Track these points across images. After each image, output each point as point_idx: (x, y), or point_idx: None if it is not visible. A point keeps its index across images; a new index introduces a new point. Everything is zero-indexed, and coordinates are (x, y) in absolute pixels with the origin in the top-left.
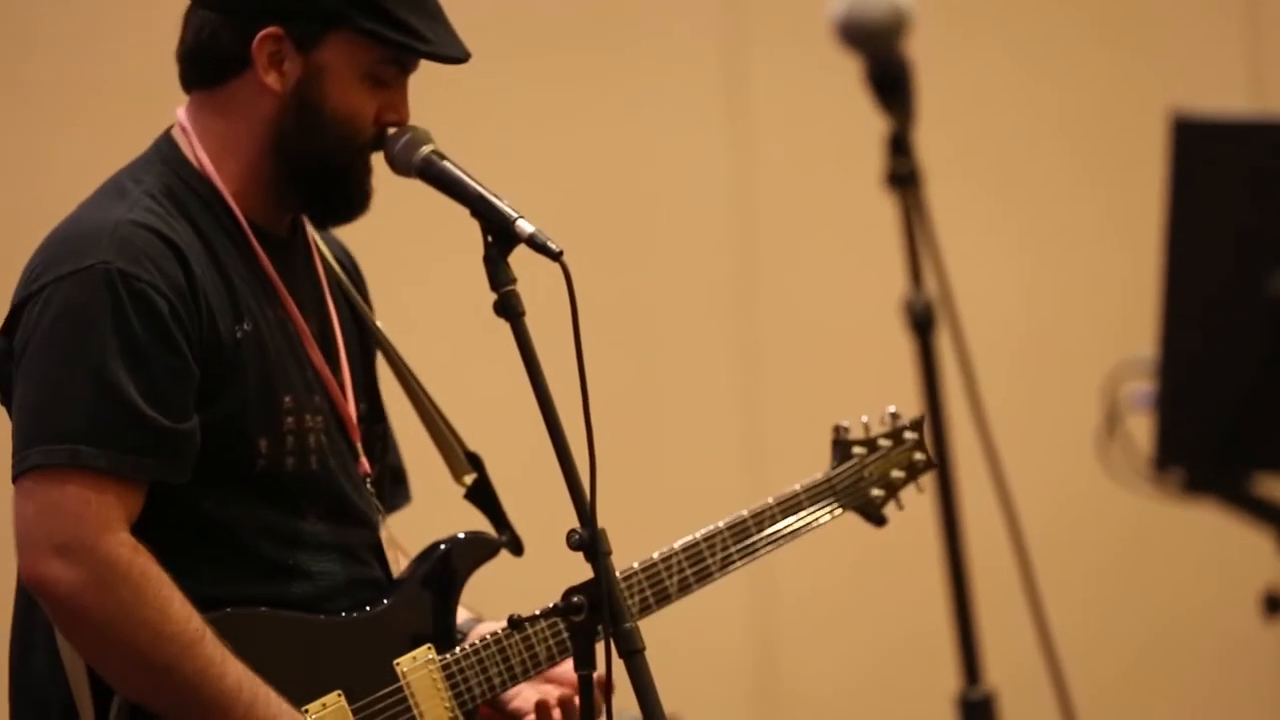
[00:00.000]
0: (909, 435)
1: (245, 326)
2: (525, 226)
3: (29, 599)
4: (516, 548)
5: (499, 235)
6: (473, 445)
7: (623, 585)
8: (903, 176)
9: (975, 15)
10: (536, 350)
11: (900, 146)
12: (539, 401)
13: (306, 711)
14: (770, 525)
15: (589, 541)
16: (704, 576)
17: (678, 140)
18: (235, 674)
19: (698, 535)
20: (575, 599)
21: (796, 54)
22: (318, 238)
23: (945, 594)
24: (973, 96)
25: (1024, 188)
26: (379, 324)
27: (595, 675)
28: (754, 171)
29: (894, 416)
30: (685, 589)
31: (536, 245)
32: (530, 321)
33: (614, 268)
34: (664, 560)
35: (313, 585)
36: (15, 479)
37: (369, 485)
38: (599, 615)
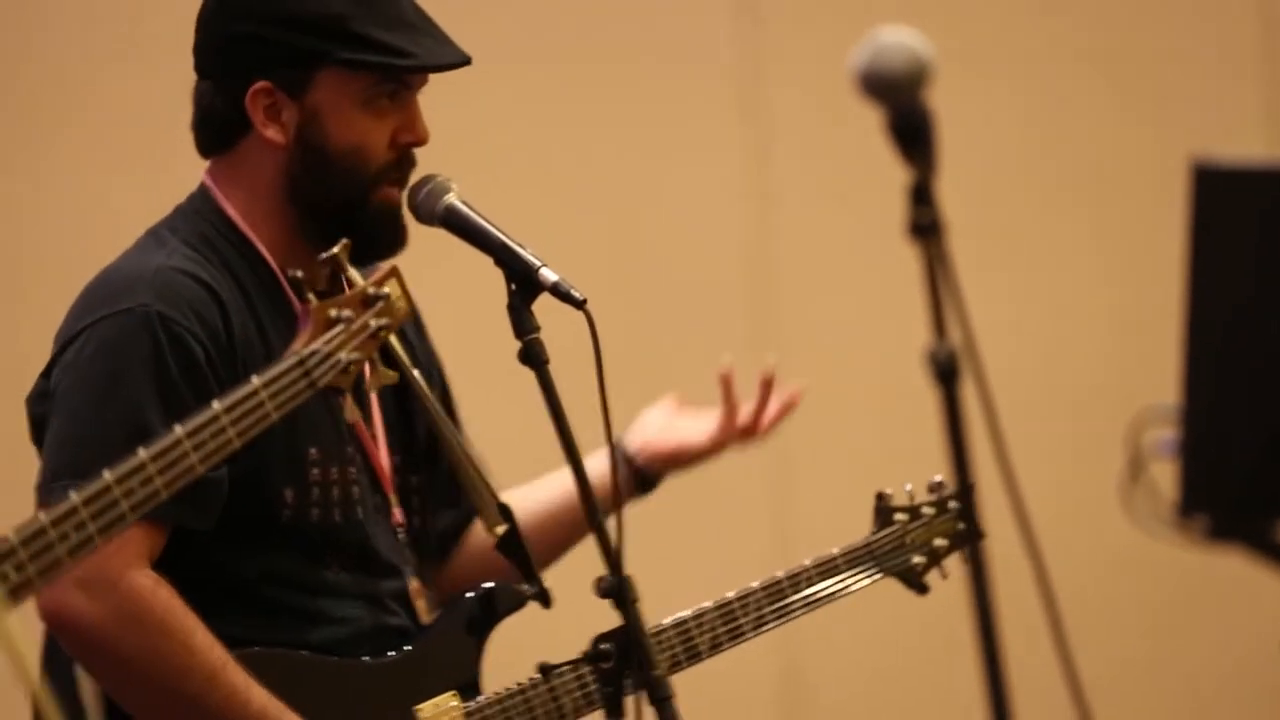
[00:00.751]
0: (953, 505)
1: None
2: (549, 275)
3: (52, 635)
4: (545, 600)
5: (522, 283)
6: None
7: (653, 640)
8: (925, 226)
9: (987, 64)
10: (560, 396)
11: (922, 196)
12: (565, 449)
13: None
14: (806, 588)
15: (616, 588)
16: (736, 635)
17: (696, 188)
18: (259, 701)
19: (731, 595)
20: (603, 646)
21: (815, 102)
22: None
23: (974, 634)
24: (989, 145)
25: (1043, 237)
26: (416, 372)
27: None
28: (772, 220)
29: (939, 485)
30: (717, 647)
31: (560, 294)
32: (552, 355)
33: (631, 308)
34: (696, 618)
35: (335, 631)
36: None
37: (400, 536)
38: (628, 662)
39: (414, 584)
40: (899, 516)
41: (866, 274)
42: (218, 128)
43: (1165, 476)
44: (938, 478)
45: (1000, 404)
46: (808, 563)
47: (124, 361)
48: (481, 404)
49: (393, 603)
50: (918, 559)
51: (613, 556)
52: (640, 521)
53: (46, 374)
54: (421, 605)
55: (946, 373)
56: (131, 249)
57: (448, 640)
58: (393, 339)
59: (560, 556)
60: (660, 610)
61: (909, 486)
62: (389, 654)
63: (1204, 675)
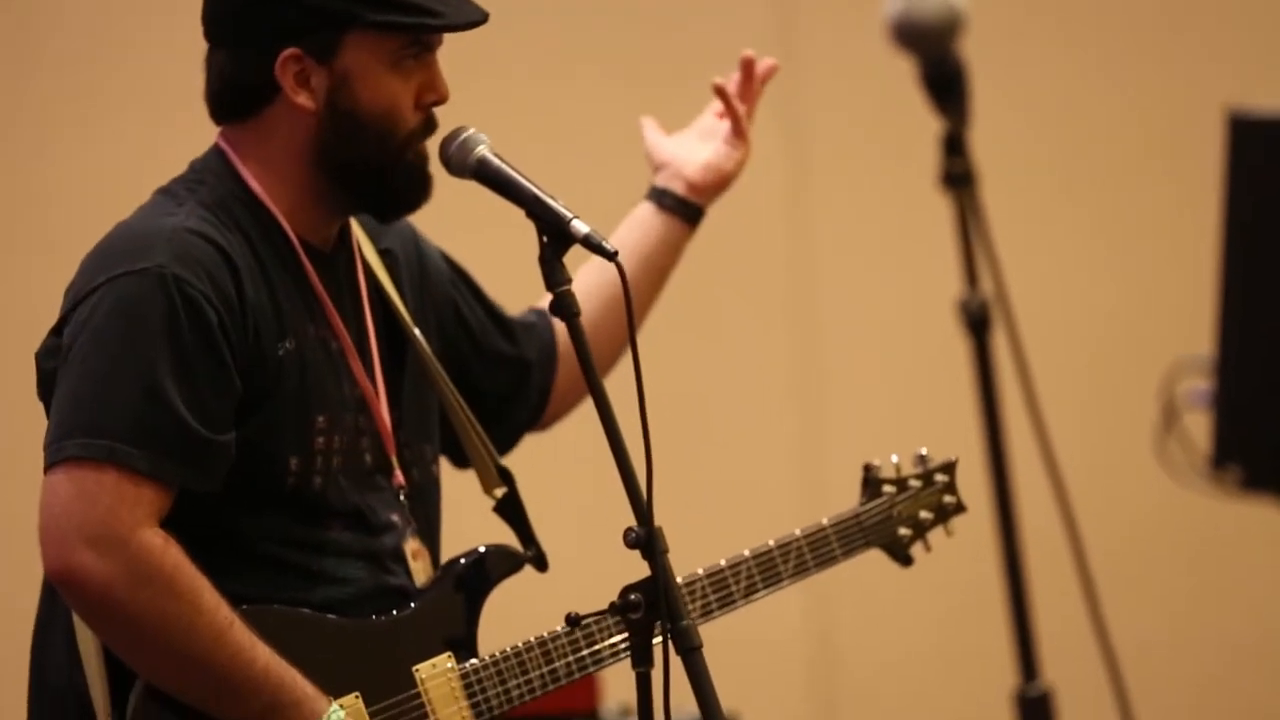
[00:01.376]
0: (940, 478)
1: (288, 344)
2: (580, 227)
3: (51, 593)
4: (542, 564)
5: (554, 236)
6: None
7: (684, 589)
8: (958, 177)
9: (1031, 11)
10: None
11: (955, 147)
12: (595, 399)
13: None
14: (795, 558)
15: (646, 539)
16: (727, 602)
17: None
18: (264, 659)
19: (723, 562)
20: (632, 596)
21: (848, 54)
22: (363, 239)
23: (1003, 587)
24: (1027, 95)
25: (1078, 187)
26: (416, 331)
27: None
28: (808, 172)
29: (924, 458)
30: (708, 613)
31: (592, 245)
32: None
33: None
34: (731, 566)
35: (337, 590)
36: (48, 469)
37: (401, 498)
38: (656, 613)
39: (413, 544)
40: (887, 488)
41: (903, 223)
42: (239, 96)
43: (1199, 427)
44: (922, 450)
45: (1031, 355)
46: (798, 532)
47: (139, 322)
48: None
49: (393, 563)
50: (904, 531)
51: (642, 508)
52: (667, 471)
53: (57, 330)
54: (419, 566)
55: (978, 323)
56: (146, 206)
57: (445, 602)
58: (395, 300)
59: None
60: (686, 556)
61: (895, 458)
62: (389, 613)
63: (1237, 628)
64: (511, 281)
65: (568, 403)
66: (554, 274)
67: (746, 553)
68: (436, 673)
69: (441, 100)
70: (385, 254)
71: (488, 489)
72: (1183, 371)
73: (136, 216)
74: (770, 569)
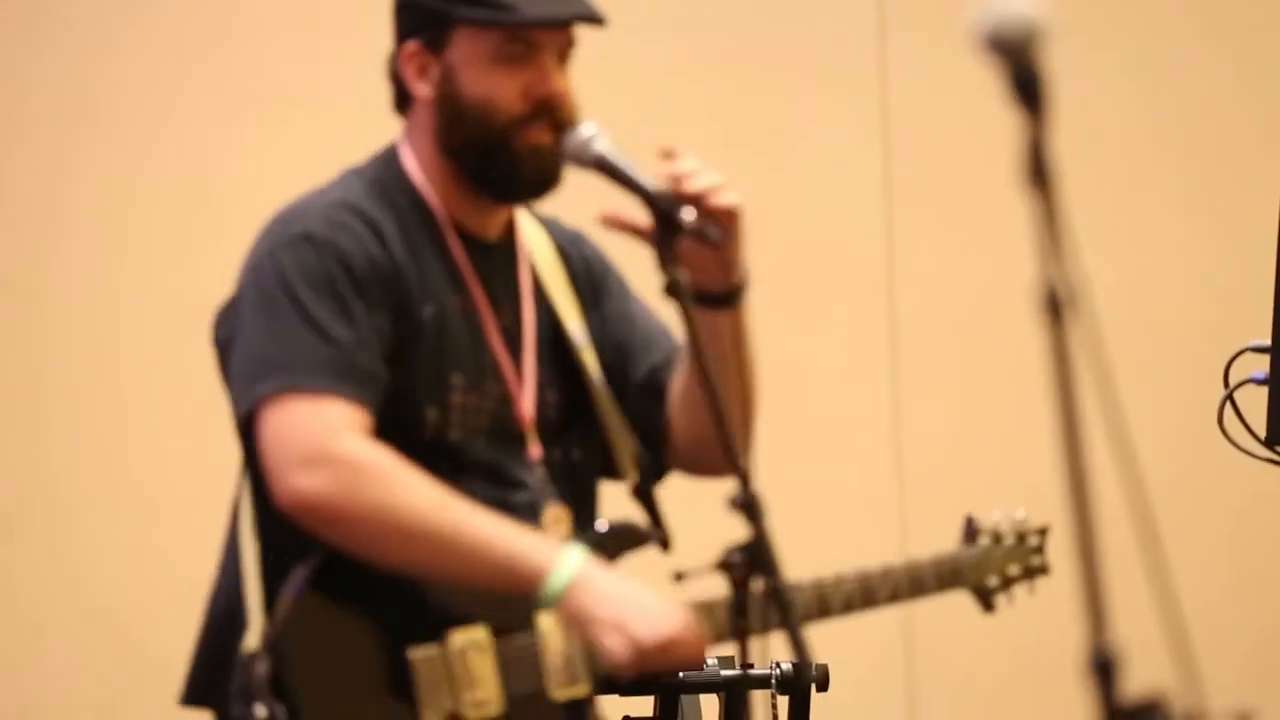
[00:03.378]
0: (1032, 540)
1: (430, 307)
2: (688, 215)
3: (234, 531)
4: (665, 544)
5: (666, 225)
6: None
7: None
8: (1039, 177)
9: (1095, 14)
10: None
11: (1037, 149)
12: (702, 378)
13: (452, 631)
14: (891, 588)
15: (748, 502)
16: (825, 612)
17: (824, 134)
18: (485, 522)
19: (828, 576)
20: (734, 556)
21: (936, 55)
22: (542, 242)
23: (1076, 568)
24: (1093, 91)
25: (1143, 181)
26: (571, 327)
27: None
28: (897, 186)
29: (1021, 521)
30: (849, 609)
31: (697, 233)
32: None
33: (763, 259)
34: (834, 582)
35: None
36: (248, 419)
37: (539, 470)
38: (756, 568)
39: (553, 511)
40: (983, 540)
41: (985, 219)
42: (396, 89)
43: (1259, 407)
44: (1020, 513)
45: (1105, 344)
46: (898, 564)
47: (295, 277)
48: None
49: (528, 519)
50: (993, 581)
51: (743, 472)
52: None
53: (228, 307)
54: (556, 531)
55: (1055, 312)
56: (321, 185)
57: None
58: (560, 301)
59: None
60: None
61: (997, 513)
62: None
63: None
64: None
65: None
66: (666, 256)
67: (849, 573)
68: (557, 627)
69: (549, 95)
70: (570, 265)
71: (623, 474)
72: (1244, 357)
73: (301, 196)
74: (868, 591)
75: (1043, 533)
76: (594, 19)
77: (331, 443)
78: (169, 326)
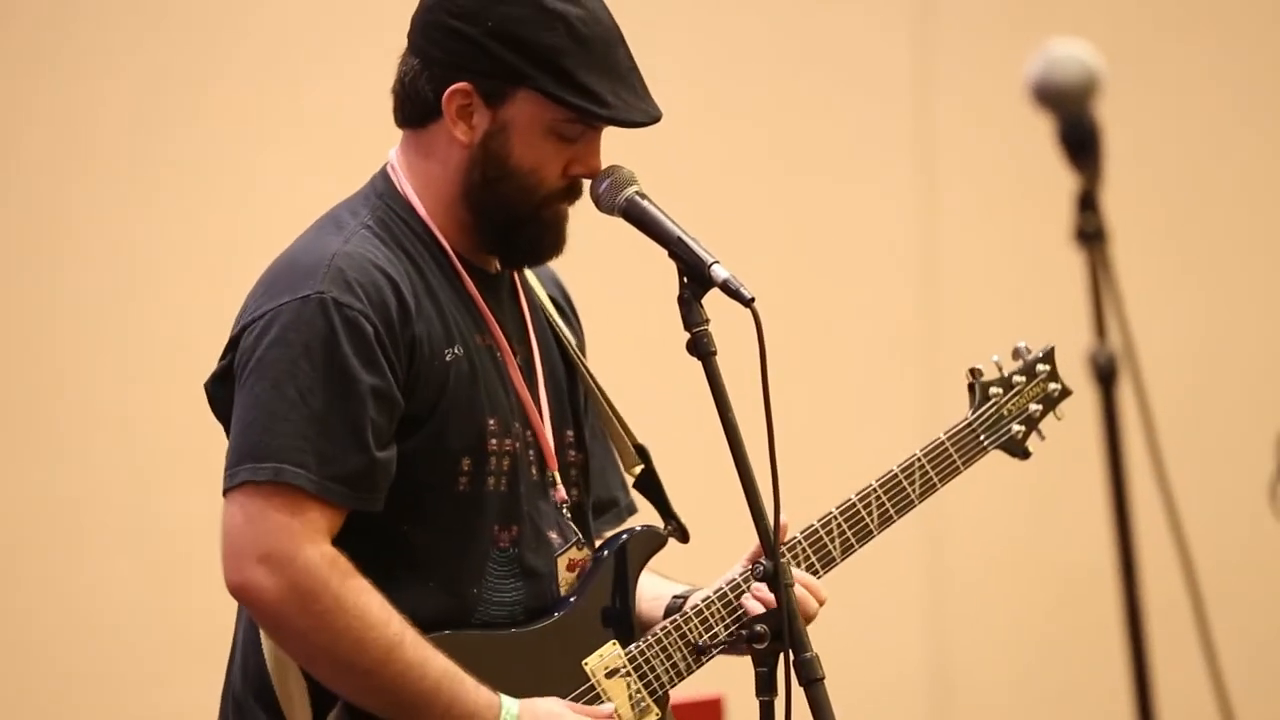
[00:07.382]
0: (1041, 367)
1: (455, 350)
2: (720, 272)
3: (244, 611)
4: (683, 536)
5: (695, 277)
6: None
7: (820, 528)
8: (1090, 233)
9: (1149, 67)
10: (726, 385)
11: (1089, 204)
12: (728, 437)
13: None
14: (919, 475)
15: (772, 573)
16: (864, 535)
17: (865, 192)
18: (435, 674)
19: (853, 495)
20: (758, 627)
21: (982, 108)
22: (529, 272)
23: (1122, 630)
24: (1151, 151)
25: (1198, 243)
26: (582, 358)
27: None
28: (939, 225)
29: (1024, 351)
30: (848, 550)
31: (730, 291)
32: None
33: (799, 312)
34: (823, 524)
35: (499, 608)
36: (226, 493)
37: (565, 511)
38: (780, 644)
39: (572, 555)
40: (994, 390)
41: (1029, 277)
42: (416, 105)
43: None
44: (1021, 343)
45: (1155, 406)
46: (917, 451)
47: (301, 347)
48: (649, 392)
49: (548, 582)
50: (1018, 427)
51: (769, 541)
52: (794, 504)
53: (226, 356)
54: (572, 577)
55: (1106, 375)
56: (310, 231)
57: (601, 591)
58: (560, 325)
59: None
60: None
61: (996, 358)
62: (550, 616)
63: None
64: (649, 318)
65: None
66: (692, 314)
67: (873, 482)
68: (604, 661)
69: (591, 176)
70: (551, 295)
71: (627, 467)
72: None
73: (301, 242)
74: (899, 493)
75: (1050, 357)
76: (659, 118)
77: (296, 549)
78: (181, 347)
